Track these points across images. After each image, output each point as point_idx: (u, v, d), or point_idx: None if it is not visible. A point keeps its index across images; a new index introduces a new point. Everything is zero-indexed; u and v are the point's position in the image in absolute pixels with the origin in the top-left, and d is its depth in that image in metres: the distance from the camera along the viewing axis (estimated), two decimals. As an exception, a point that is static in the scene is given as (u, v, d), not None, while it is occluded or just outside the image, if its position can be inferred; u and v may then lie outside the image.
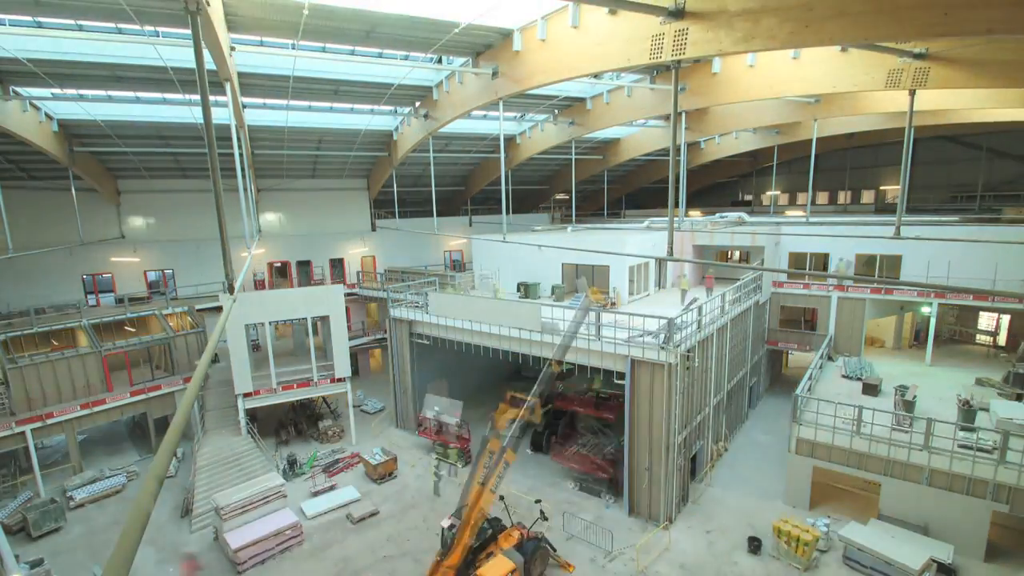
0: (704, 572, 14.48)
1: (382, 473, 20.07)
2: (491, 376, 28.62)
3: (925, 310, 22.49)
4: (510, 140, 30.57)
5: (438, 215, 28.38)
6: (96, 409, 20.84)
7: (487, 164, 35.07)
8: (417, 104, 22.86)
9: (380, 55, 17.53)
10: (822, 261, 26.10)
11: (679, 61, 10.37)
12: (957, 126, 28.79)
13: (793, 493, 17.21)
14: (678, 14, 9.72)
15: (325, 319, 23.30)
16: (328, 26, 14.54)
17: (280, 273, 32.61)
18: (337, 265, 34.08)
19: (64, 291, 25.89)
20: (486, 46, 16.54)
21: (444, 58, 18.10)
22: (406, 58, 18.03)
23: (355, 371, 29.11)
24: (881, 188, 38.44)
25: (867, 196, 39.15)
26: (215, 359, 24.68)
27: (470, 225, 39.55)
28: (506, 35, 15.62)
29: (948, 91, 18.26)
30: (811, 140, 24.35)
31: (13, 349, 20.57)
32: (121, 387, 22.00)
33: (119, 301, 25.69)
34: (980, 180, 33.28)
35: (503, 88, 16.39)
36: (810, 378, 19.25)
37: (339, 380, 22.89)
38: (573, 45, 13.22)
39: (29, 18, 13.12)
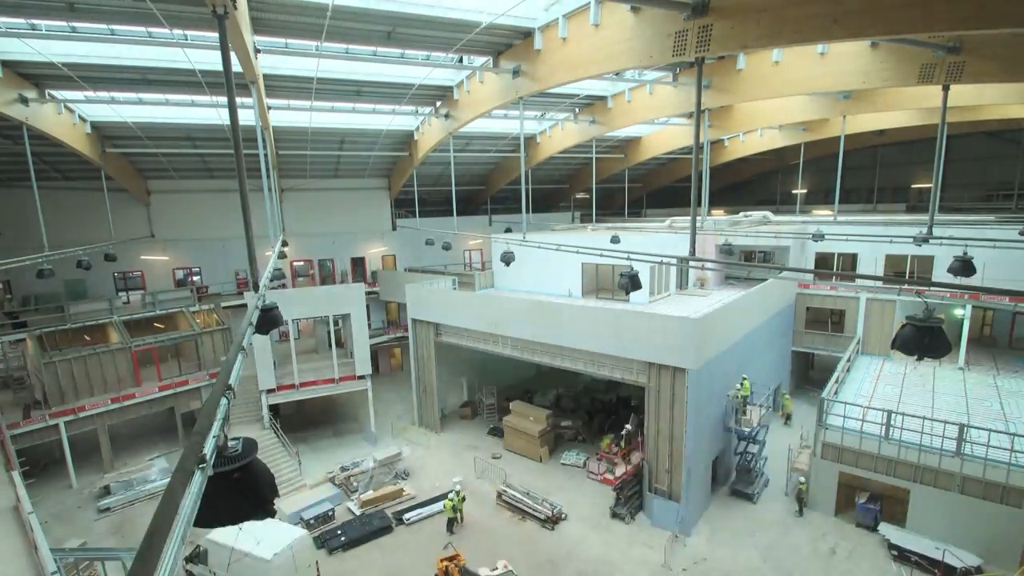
0: (726, 577, 14.31)
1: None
2: (513, 375, 28.63)
3: (958, 312, 21.79)
4: (530, 139, 30.50)
5: (458, 214, 28.47)
6: (126, 403, 21.45)
7: (507, 163, 35.06)
8: (438, 104, 22.96)
9: (402, 55, 17.64)
10: (850, 261, 25.49)
11: (703, 58, 10.19)
12: (993, 122, 27.81)
13: (818, 499, 16.84)
14: (702, 10, 9.55)
15: (346, 317, 23.61)
16: (351, 27, 14.69)
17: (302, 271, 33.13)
18: (358, 264, 34.48)
19: (97, 288, 26.81)
20: (507, 45, 16.52)
21: (465, 58, 18.13)
22: (427, 58, 18.11)
23: (375, 368, 29.41)
24: (913, 186, 37.35)
25: (898, 195, 38.07)
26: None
27: (490, 224, 39.59)
28: (527, 34, 15.57)
29: (984, 86, 17.65)
30: (839, 137, 23.77)
31: (48, 344, 21.27)
32: (150, 382, 22.61)
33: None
34: (1017, 178, 32.10)
35: (524, 87, 16.35)
36: (837, 381, 18.84)
37: (360, 378, 23.16)
38: (595, 43, 13.10)
39: (64, 23, 13.53)
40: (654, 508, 16.82)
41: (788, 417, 23.16)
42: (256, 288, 7.38)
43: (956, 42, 12.31)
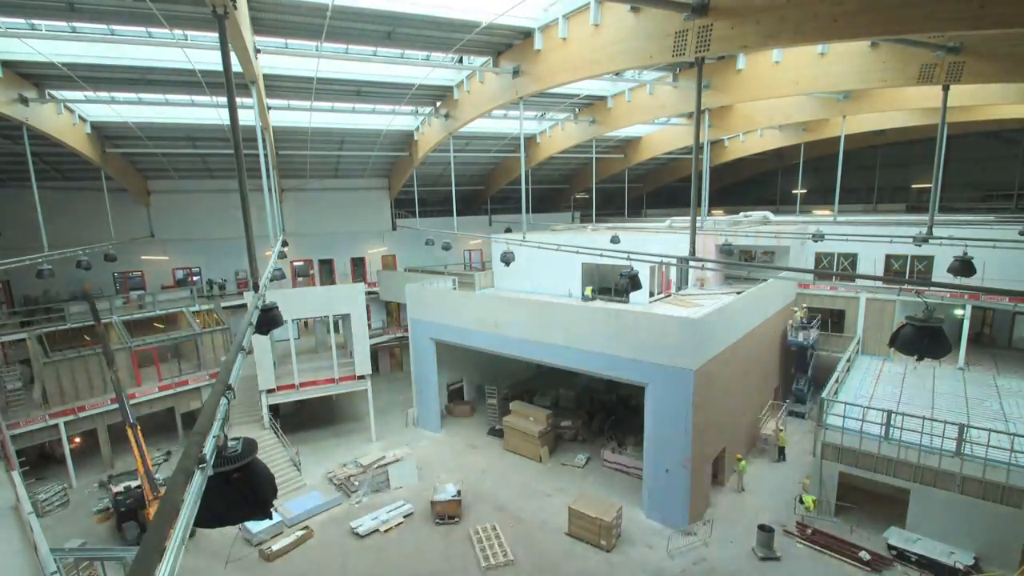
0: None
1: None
2: (513, 375, 28.61)
3: (958, 312, 21.80)
4: (530, 139, 30.49)
5: (458, 214, 28.48)
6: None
7: (507, 163, 35.06)
8: (438, 104, 22.96)
9: (402, 56, 17.63)
10: (850, 261, 25.49)
11: (703, 58, 10.19)
12: (993, 122, 27.80)
13: (819, 500, 16.82)
14: (702, 10, 9.55)
15: (346, 317, 23.61)
16: (351, 27, 14.69)
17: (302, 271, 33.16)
18: (358, 264, 34.49)
19: (96, 289, 26.79)
20: (507, 45, 16.52)
21: (465, 58, 18.13)
22: (427, 58, 18.11)
23: (375, 368, 29.41)
24: (913, 186, 37.34)
25: (898, 195, 38.07)
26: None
27: (490, 224, 39.59)
28: (527, 34, 15.57)
29: (984, 86, 17.65)
30: (839, 137, 23.77)
31: (48, 344, 21.26)
32: (150, 382, 22.60)
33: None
34: (1017, 178, 32.10)
35: (524, 87, 16.34)
36: (837, 380, 18.84)
37: (360, 377, 23.16)
38: (595, 43, 13.10)
39: (64, 23, 13.53)
40: (655, 507, 16.83)
41: (781, 451, 20.23)
42: (256, 288, 7.38)
43: (956, 42, 12.31)
